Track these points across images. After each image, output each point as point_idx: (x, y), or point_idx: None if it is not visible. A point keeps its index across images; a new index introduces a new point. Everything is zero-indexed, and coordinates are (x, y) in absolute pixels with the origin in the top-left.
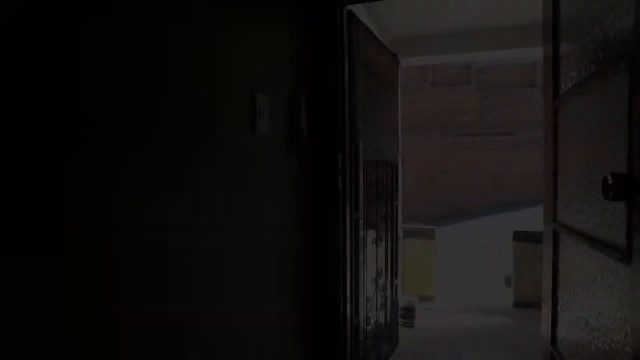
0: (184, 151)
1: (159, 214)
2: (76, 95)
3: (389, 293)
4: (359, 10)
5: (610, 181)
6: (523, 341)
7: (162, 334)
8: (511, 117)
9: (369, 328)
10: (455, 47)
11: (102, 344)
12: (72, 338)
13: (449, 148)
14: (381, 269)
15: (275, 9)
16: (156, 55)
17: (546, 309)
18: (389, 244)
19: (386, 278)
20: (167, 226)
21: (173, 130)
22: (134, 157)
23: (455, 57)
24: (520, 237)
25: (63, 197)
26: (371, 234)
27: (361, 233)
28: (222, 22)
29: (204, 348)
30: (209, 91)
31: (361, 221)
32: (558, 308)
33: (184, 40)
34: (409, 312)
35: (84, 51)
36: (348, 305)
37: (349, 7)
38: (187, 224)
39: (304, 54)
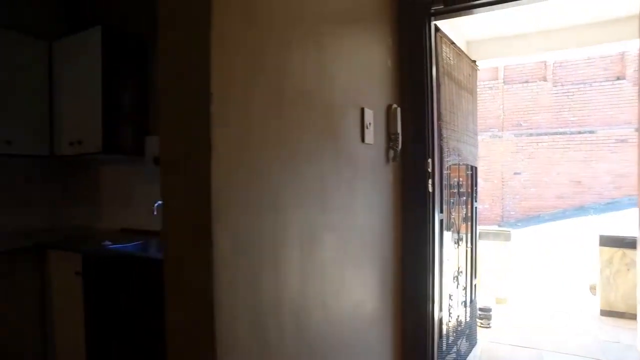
0: (320, 159)
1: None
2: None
3: (468, 292)
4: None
5: None
6: (611, 353)
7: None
8: (593, 114)
9: (450, 324)
10: (531, 47)
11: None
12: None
13: (523, 148)
14: (461, 269)
15: (375, 33)
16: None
17: None
18: (468, 244)
19: (466, 278)
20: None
21: (315, 142)
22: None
23: (531, 57)
24: (608, 241)
25: None
26: (452, 235)
27: (444, 233)
28: (341, 50)
29: (328, 323)
30: (334, 108)
31: (444, 222)
32: None
33: (319, 67)
34: (487, 312)
35: None
36: (433, 301)
37: (434, 21)
38: (318, 214)
39: (395, 68)
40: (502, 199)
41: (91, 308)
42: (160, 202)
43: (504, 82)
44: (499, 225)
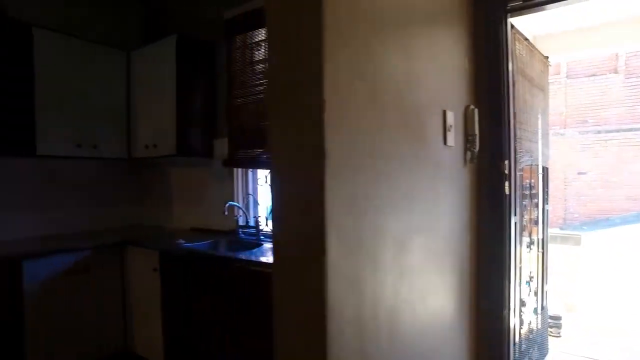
0: (410, 163)
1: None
2: None
3: (539, 299)
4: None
5: None
6: None
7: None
8: None
9: (522, 331)
10: (601, 41)
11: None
12: None
13: (589, 147)
14: (532, 274)
15: (453, 32)
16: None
17: None
18: (539, 248)
19: (537, 283)
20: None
21: (406, 145)
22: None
23: (601, 51)
24: None
25: None
26: (524, 238)
27: (517, 236)
28: (425, 51)
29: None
30: (420, 110)
31: (518, 225)
32: None
33: (407, 69)
34: (557, 320)
35: None
36: (509, 307)
37: (510, 18)
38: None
39: (471, 68)
40: (565, 200)
41: (168, 302)
42: (231, 202)
43: (567, 76)
44: (561, 229)
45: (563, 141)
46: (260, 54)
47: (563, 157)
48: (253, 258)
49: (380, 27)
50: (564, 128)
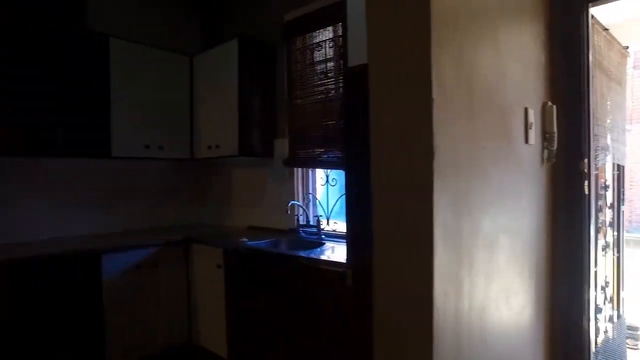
0: (499, 162)
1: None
2: None
3: (615, 306)
4: None
5: None
6: None
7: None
8: None
9: (598, 340)
10: None
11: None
12: None
13: None
14: (607, 279)
15: (532, 25)
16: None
17: None
18: (615, 252)
19: (613, 289)
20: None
21: (495, 143)
22: None
23: None
24: None
25: None
26: (599, 241)
27: (594, 239)
28: (511, 46)
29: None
30: (506, 108)
31: (594, 226)
32: None
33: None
34: (635, 331)
35: None
36: (587, 314)
37: (591, 8)
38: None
39: (548, 63)
40: (631, 200)
41: (231, 298)
42: (293, 201)
43: (633, 67)
44: (627, 231)
45: (630, 137)
46: (321, 54)
47: (630, 155)
48: (321, 257)
49: (475, 22)
50: (630, 123)
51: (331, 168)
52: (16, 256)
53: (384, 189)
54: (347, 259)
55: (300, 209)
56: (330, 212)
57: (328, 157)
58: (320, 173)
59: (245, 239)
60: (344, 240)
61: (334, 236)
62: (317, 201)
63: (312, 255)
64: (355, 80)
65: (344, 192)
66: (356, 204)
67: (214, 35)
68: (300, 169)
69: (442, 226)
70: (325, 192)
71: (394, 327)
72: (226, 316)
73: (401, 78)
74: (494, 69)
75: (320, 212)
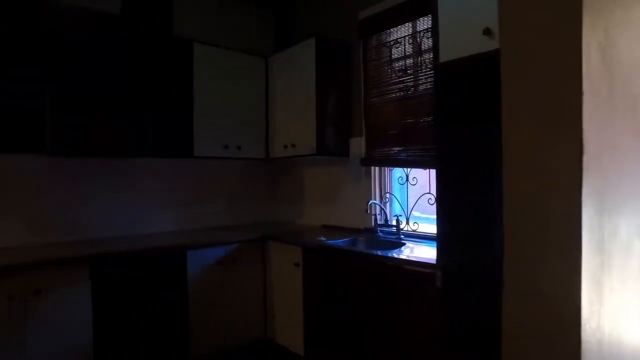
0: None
1: None
2: None
3: None
4: None
5: None
6: None
7: None
8: None
9: None
10: None
11: None
12: None
13: None
14: None
15: None
16: None
17: None
18: None
19: None
20: None
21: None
22: None
23: None
24: None
25: None
26: None
27: None
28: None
29: None
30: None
31: None
32: None
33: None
34: None
35: None
36: None
37: None
38: None
39: None
40: None
41: (309, 296)
42: (372, 201)
43: None
44: None
45: None
46: (399, 51)
47: None
48: (405, 257)
49: (622, 5)
50: None
51: (412, 167)
52: (105, 250)
53: (519, 186)
54: (437, 260)
55: (378, 208)
56: (410, 212)
57: (407, 155)
58: (398, 172)
59: (323, 238)
60: (426, 241)
61: (414, 236)
62: (395, 200)
63: (396, 255)
64: (448, 74)
65: (425, 191)
66: (449, 204)
67: (287, 36)
68: (376, 168)
69: (588, 227)
70: (404, 191)
71: (527, 340)
72: (304, 314)
73: (544, 68)
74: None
75: (398, 211)
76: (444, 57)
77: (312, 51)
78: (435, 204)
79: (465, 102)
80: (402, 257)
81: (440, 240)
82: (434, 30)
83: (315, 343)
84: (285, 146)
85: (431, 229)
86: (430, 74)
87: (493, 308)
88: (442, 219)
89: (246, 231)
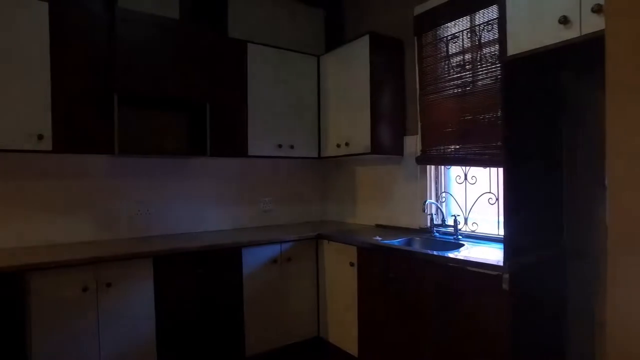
0: None
1: None
2: None
3: None
4: None
5: None
6: None
7: None
8: None
9: None
10: None
11: None
12: None
13: None
14: None
15: None
16: None
17: None
18: None
19: None
20: None
21: None
22: None
23: None
24: None
25: None
26: None
27: None
28: None
29: None
30: None
31: None
32: None
33: None
34: None
35: None
36: None
37: None
38: None
39: None
40: None
41: (364, 296)
42: (429, 200)
43: None
44: None
45: None
46: (457, 46)
47: None
48: (466, 258)
49: None
50: None
51: (471, 165)
52: (166, 248)
53: (628, 187)
54: (503, 262)
55: (434, 208)
56: (469, 212)
57: (466, 153)
58: (456, 171)
59: (378, 237)
60: (486, 242)
61: (473, 237)
62: (453, 200)
63: (457, 256)
64: (517, 68)
65: (486, 190)
66: (517, 204)
67: (338, 35)
68: (432, 167)
69: None
70: (462, 190)
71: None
72: (358, 315)
73: None
74: None
75: (456, 211)
76: (512, 49)
77: (366, 48)
78: (495, 203)
79: (536, 97)
80: (465, 257)
81: (508, 241)
82: (501, 21)
83: (370, 343)
84: (338, 145)
85: (491, 229)
86: (491, 68)
87: (563, 314)
88: (510, 219)
89: (298, 230)
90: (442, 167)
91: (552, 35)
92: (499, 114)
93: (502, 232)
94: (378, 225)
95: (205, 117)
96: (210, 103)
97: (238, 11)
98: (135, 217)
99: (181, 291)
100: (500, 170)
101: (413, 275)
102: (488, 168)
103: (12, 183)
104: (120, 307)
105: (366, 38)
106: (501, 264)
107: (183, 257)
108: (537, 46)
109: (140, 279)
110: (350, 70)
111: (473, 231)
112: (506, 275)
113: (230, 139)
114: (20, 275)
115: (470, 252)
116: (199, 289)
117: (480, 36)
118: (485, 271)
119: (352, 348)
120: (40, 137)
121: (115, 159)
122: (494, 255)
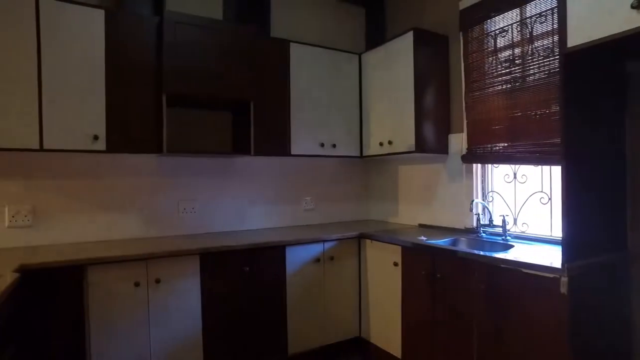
0: None
1: None
2: None
3: None
4: None
5: None
6: None
7: None
8: None
9: None
10: None
11: None
12: None
13: None
14: None
15: None
16: None
17: None
18: None
19: None
20: None
21: None
22: None
23: None
24: None
25: None
26: None
27: None
28: None
29: None
30: None
31: None
32: None
33: None
34: None
35: None
36: None
37: None
38: None
39: None
40: None
41: (410, 298)
42: (476, 200)
43: None
44: None
45: None
46: (505, 40)
47: None
48: (522, 259)
49: None
50: None
51: (521, 163)
52: (212, 245)
53: None
54: (562, 264)
55: (480, 207)
56: (518, 212)
57: (516, 151)
58: (504, 169)
59: (423, 237)
60: (538, 243)
61: (523, 238)
62: (500, 199)
63: (510, 257)
64: (580, 61)
65: (538, 190)
66: (577, 204)
67: (379, 32)
68: (478, 165)
69: None
70: (511, 190)
71: None
72: (402, 316)
73: None
74: None
75: (504, 211)
76: (573, 40)
77: (410, 44)
78: (548, 203)
79: (598, 90)
80: (519, 259)
81: (567, 243)
82: (560, 11)
83: (414, 345)
84: (381, 144)
85: (543, 230)
86: (544, 62)
87: (627, 323)
88: (569, 220)
89: (340, 229)
90: (489, 165)
91: (622, 22)
92: (553, 109)
93: (555, 234)
94: (421, 225)
95: (248, 115)
96: (254, 102)
97: (280, 11)
98: (181, 215)
99: (226, 288)
100: (554, 168)
101: (461, 276)
102: (540, 166)
103: (70, 182)
104: (168, 302)
105: (410, 34)
106: (558, 266)
107: (229, 254)
108: (604, 35)
109: (188, 276)
110: (394, 67)
111: (523, 232)
112: (565, 279)
113: (273, 138)
114: (80, 269)
115: (521, 253)
116: (243, 287)
117: (532, 29)
118: (542, 273)
119: (395, 349)
120: (95, 137)
121: (162, 158)
122: (547, 257)
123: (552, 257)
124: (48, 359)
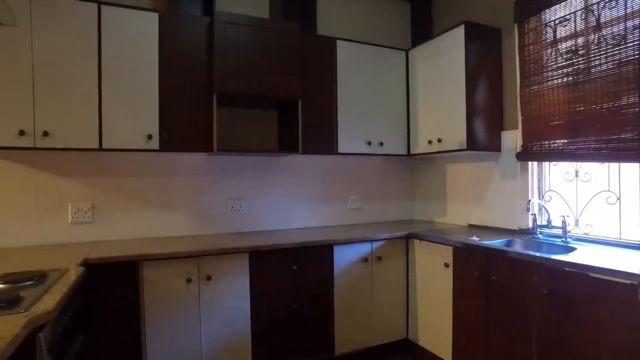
0: None
1: None
2: None
3: None
4: None
5: None
6: None
7: None
8: None
9: None
10: None
11: None
12: None
13: None
14: None
15: None
16: None
17: None
18: None
19: None
20: None
21: None
22: None
23: None
24: None
25: None
26: None
27: None
28: None
29: None
30: None
31: None
32: None
33: None
34: None
35: None
36: None
37: None
38: None
39: None
40: None
41: (462, 301)
42: (532, 199)
43: None
44: None
45: None
46: (566, 30)
47: None
48: (590, 263)
49: None
50: None
51: (583, 161)
52: (262, 243)
53: None
54: None
55: (537, 207)
56: (580, 212)
57: (577, 148)
58: (563, 167)
59: (475, 238)
60: (603, 246)
61: (585, 240)
62: (559, 199)
63: (575, 260)
64: None
65: (604, 189)
66: None
67: (425, 28)
68: (534, 163)
69: None
70: (572, 189)
71: None
72: (454, 318)
73: None
74: None
75: (563, 211)
76: None
77: (461, 39)
78: (616, 203)
79: None
80: (586, 262)
81: None
82: None
83: (466, 349)
84: (430, 141)
85: (609, 232)
86: (613, 51)
87: None
88: None
89: (387, 229)
90: (546, 163)
91: None
92: (624, 101)
93: (625, 236)
94: (471, 226)
95: (294, 114)
96: (301, 100)
97: (326, 9)
98: (229, 213)
99: (275, 286)
100: (624, 165)
101: (519, 278)
102: (607, 164)
103: (125, 180)
104: (219, 299)
105: (461, 28)
106: (637, 271)
107: (278, 253)
108: None
109: (238, 274)
110: (443, 63)
111: (586, 234)
112: None
113: (320, 137)
114: (136, 264)
115: (585, 256)
116: (292, 285)
117: (599, 15)
118: (614, 279)
119: (445, 353)
120: (149, 137)
121: (211, 157)
122: (619, 261)
123: (625, 261)
124: (109, 349)
